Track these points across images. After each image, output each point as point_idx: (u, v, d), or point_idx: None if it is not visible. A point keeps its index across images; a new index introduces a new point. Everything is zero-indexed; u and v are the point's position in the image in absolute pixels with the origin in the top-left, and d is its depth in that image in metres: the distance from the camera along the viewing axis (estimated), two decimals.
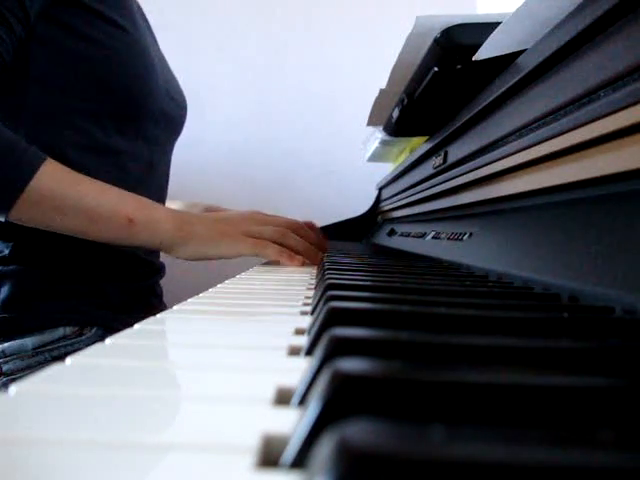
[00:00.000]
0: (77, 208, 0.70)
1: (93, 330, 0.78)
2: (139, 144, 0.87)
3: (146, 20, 0.97)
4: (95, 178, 0.78)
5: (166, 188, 1.00)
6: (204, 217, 0.80)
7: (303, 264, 0.75)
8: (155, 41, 0.97)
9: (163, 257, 0.97)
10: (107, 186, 0.74)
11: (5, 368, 0.73)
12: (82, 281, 0.80)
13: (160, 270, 0.95)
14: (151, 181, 0.91)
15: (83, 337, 0.77)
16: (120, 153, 0.84)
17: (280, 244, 0.76)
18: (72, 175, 0.71)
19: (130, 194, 0.75)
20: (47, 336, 0.75)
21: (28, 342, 0.74)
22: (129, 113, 0.84)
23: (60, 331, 0.76)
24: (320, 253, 0.80)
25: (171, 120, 0.94)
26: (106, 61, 0.79)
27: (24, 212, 0.68)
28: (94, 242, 0.80)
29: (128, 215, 0.72)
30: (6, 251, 0.77)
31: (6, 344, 0.74)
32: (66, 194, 0.69)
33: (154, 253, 0.95)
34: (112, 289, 0.82)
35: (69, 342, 0.76)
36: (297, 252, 0.77)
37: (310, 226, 0.92)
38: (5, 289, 0.75)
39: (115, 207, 0.72)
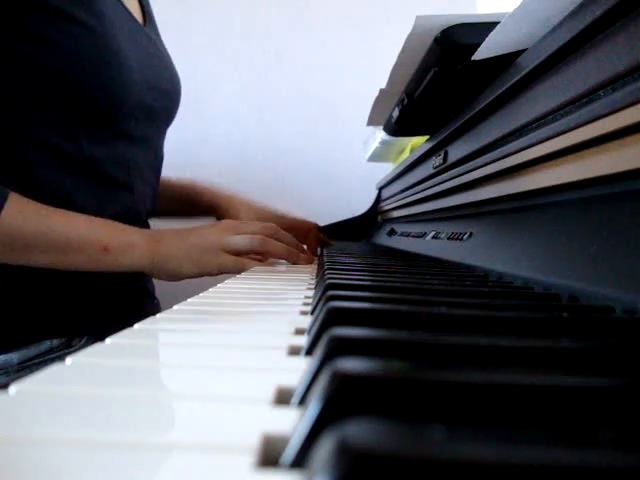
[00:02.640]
0: (48, 244, 0.68)
1: (83, 340, 0.76)
2: (118, 145, 0.81)
3: (141, 5, 0.91)
4: (73, 194, 0.75)
5: (157, 183, 0.96)
6: (176, 234, 0.76)
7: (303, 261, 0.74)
8: (145, 27, 0.89)
9: None
10: (75, 215, 0.71)
11: None
12: (68, 290, 0.76)
13: None
14: (138, 181, 0.86)
15: (72, 349, 0.75)
16: (96, 161, 0.78)
17: (259, 252, 0.75)
18: (38, 209, 0.68)
19: (101, 220, 0.73)
20: (33, 350, 0.72)
21: (13, 357, 0.71)
22: (102, 116, 0.77)
23: (47, 344, 0.73)
24: (303, 255, 0.78)
25: (156, 113, 0.88)
26: (69, 66, 0.72)
27: None
28: None
29: (101, 243, 0.70)
30: None
31: None
32: (35, 231, 0.67)
33: None
34: (101, 295, 0.79)
35: (56, 355, 0.74)
36: (279, 256, 0.76)
37: (311, 227, 0.90)
38: None
39: (86, 237, 0.70)
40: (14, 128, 0.72)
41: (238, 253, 0.74)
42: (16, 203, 0.67)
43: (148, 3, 0.96)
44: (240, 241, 0.73)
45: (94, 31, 0.73)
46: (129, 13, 0.85)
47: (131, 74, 0.78)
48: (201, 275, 0.74)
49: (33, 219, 0.67)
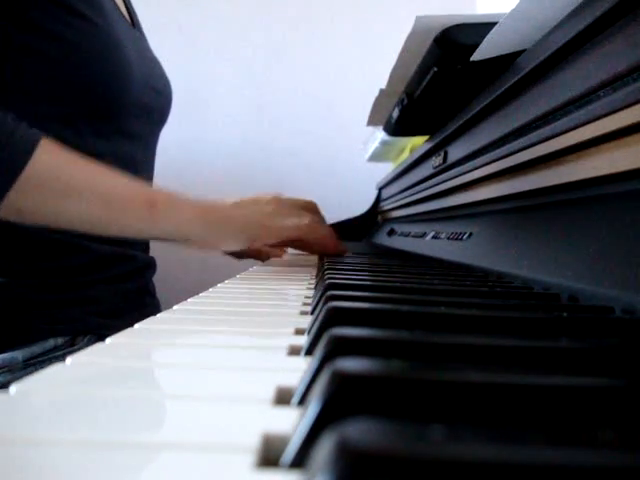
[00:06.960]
0: (87, 190, 0.60)
1: (86, 339, 0.75)
2: (119, 142, 0.81)
3: (127, 10, 0.91)
4: None
5: (151, 182, 0.94)
6: (228, 205, 0.67)
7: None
8: (134, 29, 0.90)
9: (153, 252, 0.97)
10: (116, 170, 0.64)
11: None
12: (71, 288, 0.76)
13: (150, 266, 0.91)
14: (136, 178, 0.86)
15: (75, 347, 0.74)
16: (99, 155, 0.73)
17: (296, 240, 0.71)
18: (78, 155, 0.61)
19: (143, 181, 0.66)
20: (38, 348, 0.72)
21: (18, 354, 0.71)
22: (104, 111, 0.77)
23: (51, 342, 0.73)
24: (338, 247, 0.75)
25: (153, 112, 0.89)
26: (74, 59, 0.72)
27: (22, 201, 0.58)
28: (79, 248, 0.75)
29: (149, 197, 0.61)
30: None
31: None
32: (73, 175, 0.59)
33: (144, 250, 0.92)
34: (103, 293, 0.79)
35: (60, 353, 0.73)
36: (312, 250, 0.74)
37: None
38: None
39: (133, 188, 0.61)
40: (21, 119, 0.68)
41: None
42: (52, 145, 0.60)
43: (134, 10, 0.97)
44: (291, 223, 0.68)
45: (97, 26, 0.74)
46: (122, 14, 0.86)
47: (131, 71, 0.79)
48: (240, 252, 0.70)
49: (72, 162, 0.61)
